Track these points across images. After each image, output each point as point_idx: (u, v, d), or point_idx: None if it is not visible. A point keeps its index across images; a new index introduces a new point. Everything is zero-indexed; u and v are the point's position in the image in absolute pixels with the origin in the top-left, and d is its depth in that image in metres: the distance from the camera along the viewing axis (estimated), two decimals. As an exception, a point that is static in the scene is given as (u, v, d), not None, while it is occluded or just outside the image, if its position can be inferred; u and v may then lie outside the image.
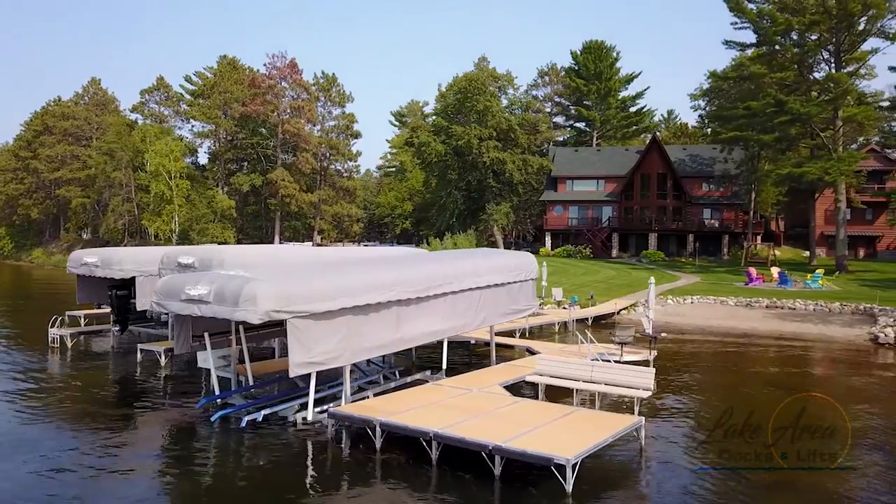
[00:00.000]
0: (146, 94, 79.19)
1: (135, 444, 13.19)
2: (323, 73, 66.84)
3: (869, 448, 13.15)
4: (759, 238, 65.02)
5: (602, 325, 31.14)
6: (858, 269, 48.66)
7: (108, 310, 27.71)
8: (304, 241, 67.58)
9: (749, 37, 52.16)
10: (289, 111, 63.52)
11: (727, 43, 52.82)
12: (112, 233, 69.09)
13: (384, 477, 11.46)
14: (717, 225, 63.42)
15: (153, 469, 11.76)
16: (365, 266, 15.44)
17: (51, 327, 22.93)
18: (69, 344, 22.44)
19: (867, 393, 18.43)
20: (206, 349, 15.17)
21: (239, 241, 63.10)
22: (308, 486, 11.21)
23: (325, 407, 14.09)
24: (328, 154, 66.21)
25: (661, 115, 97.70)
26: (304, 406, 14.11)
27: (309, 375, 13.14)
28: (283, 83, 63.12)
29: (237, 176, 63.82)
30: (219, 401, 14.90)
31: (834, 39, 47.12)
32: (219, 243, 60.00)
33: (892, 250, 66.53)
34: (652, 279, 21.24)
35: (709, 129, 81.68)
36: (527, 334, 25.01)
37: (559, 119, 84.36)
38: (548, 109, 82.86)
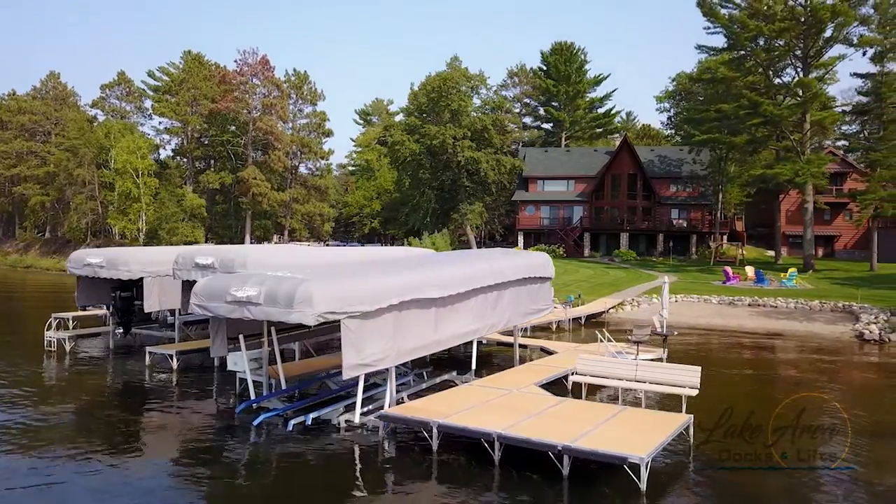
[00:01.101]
0: (107, 89, 77.00)
1: (179, 450, 12.80)
2: (294, 70, 66.07)
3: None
4: (724, 238, 66.62)
5: (593, 324, 31.56)
6: (824, 268, 50.27)
7: (99, 311, 27.07)
8: (285, 241, 66.71)
9: (720, 41, 53.46)
10: (260, 108, 62.49)
11: (699, 47, 54.13)
12: (75, 232, 66.88)
13: (442, 479, 11.39)
14: (685, 225, 64.81)
15: (205, 476, 11.44)
16: (401, 266, 15.32)
17: (47, 330, 22.13)
18: (67, 347, 21.67)
19: (865, 390, 19.05)
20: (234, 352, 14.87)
21: (207, 241, 61.89)
22: (368, 488, 11.07)
23: (367, 407, 13.93)
24: (299, 152, 65.35)
25: (621, 116, 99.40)
26: (347, 408, 13.96)
27: (356, 378, 12.97)
28: (254, 80, 62.06)
29: (206, 174, 62.47)
30: (254, 405, 14.60)
31: (801, 45, 48.58)
32: (187, 243, 58.74)
33: (848, 249, 68.97)
34: (665, 279, 21.61)
35: (674, 130, 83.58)
36: (527, 333, 25.17)
37: (527, 120, 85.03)
38: (517, 110, 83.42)
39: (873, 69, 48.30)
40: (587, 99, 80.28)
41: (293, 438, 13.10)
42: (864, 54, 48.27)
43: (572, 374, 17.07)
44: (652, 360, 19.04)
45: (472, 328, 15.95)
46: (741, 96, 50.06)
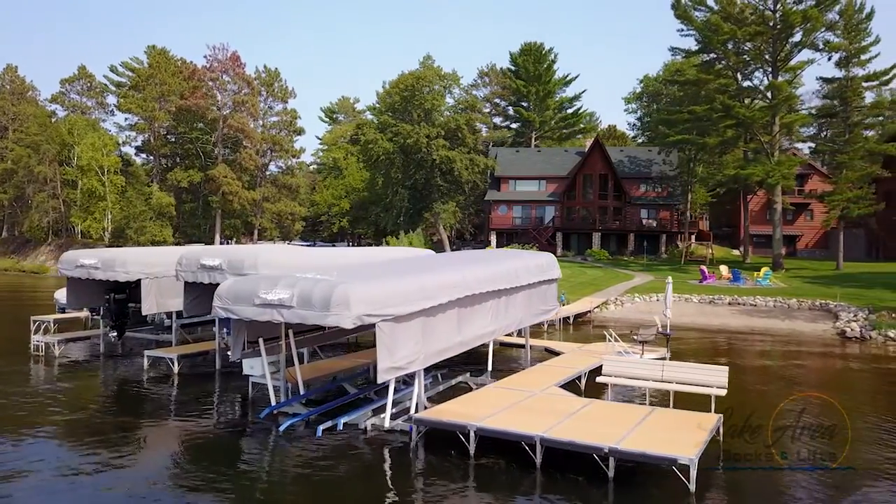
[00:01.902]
0: (66, 83, 74.68)
1: (203, 460, 12.37)
2: (265, 67, 64.95)
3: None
4: (693, 237, 67.85)
5: (579, 324, 31.77)
6: (792, 267, 51.50)
7: (80, 314, 26.22)
8: (254, 241, 65.62)
9: (691, 43, 54.35)
10: (230, 105, 61.27)
11: (673, 49, 54.99)
12: (35, 231, 64.56)
13: (483, 483, 11.26)
14: (654, 225, 65.85)
15: (237, 487, 11.09)
16: (422, 267, 15.14)
17: (34, 334, 21.30)
18: (57, 352, 20.87)
19: (859, 388, 19.48)
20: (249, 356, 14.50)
21: (178, 242, 60.50)
22: (409, 494, 10.88)
23: (391, 411, 13.72)
24: (270, 150, 64.31)
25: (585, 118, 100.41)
26: (375, 412, 13.74)
27: (377, 381, 12.75)
28: (224, 76, 60.82)
29: (175, 172, 60.96)
30: (274, 410, 14.26)
31: (771, 49, 49.73)
32: (154, 243, 57.39)
33: (809, 249, 71.02)
34: (670, 279, 21.77)
35: (641, 132, 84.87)
36: (522, 333, 25.14)
37: (497, 119, 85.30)
38: (486, 110, 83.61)
39: (838, 73, 49.72)
40: (556, 99, 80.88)
41: (322, 444, 12.82)
42: (829, 59, 49.72)
43: (586, 374, 17.17)
44: (656, 359, 19.29)
45: (490, 329, 15.87)
46: (712, 99, 51.09)
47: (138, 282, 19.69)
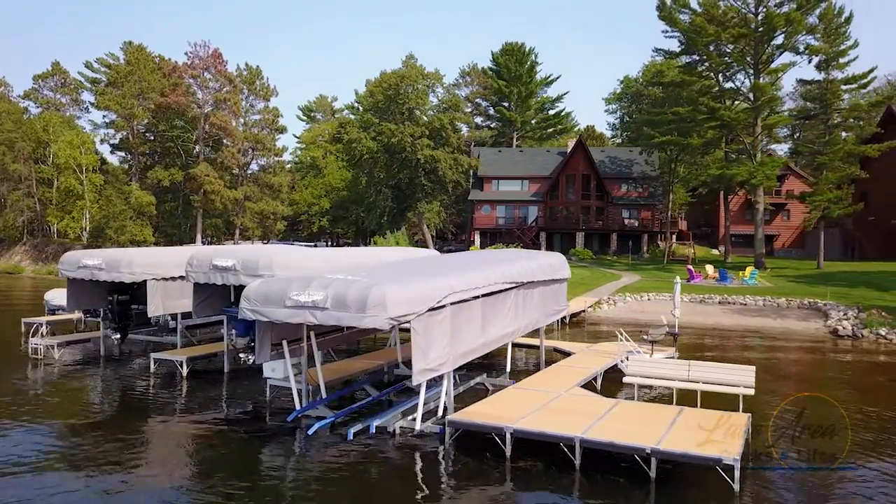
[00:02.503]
0: (40, 79, 73.03)
1: (235, 467, 12.10)
2: (247, 64, 64.13)
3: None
4: (674, 237, 68.62)
5: (574, 324, 31.90)
6: (773, 266, 52.28)
7: (72, 316, 25.66)
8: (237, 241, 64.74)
9: (673, 44, 54.92)
10: (212, 103, 60.38)
11: (657, 50, 55.41)
12: (10, 230, 62.96)
13: (519, 484, 11.21)
14: (636, 224, 66.47)
15: (277, 493, 10.90)
16: (446, 267, 15.02)
17: (31, 336, 20.77)
18: (56, 355, 20.34)
19: (860, 386, 19.76)
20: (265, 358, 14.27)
21: (157, 242, 59.53)
22: (447, 495, 10.76)
23: (414, 414, 13.60)
24: (251, 149, 63.56)
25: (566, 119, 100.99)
26: (404, 414, 13.62)
27: (399, 384, 12.64)
28: (206, 73, 59.91)
29: (155, 170, 59.88)
30: (299, 414, 14.03)
31: (753, 51, 50.42)
32: (134, 242, 56.37)
33: (786, 248, 72.26)
34: (678, 280, 21.99)
35: (619, 132, 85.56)
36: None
37: (478, 119, 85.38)
38: (468, 110, 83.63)
39: (818, 76, 50.58)
40: (538, 99, 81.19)
41: (352, 447, 12.65)
42: (809, 62, 50.55)
43: (601, 374, 17.22)
44: (664, 358, 19.43)
45: (510, 329, 15.83)
46: (694, 100, 51.76)
47: (140, 283, 19.32)
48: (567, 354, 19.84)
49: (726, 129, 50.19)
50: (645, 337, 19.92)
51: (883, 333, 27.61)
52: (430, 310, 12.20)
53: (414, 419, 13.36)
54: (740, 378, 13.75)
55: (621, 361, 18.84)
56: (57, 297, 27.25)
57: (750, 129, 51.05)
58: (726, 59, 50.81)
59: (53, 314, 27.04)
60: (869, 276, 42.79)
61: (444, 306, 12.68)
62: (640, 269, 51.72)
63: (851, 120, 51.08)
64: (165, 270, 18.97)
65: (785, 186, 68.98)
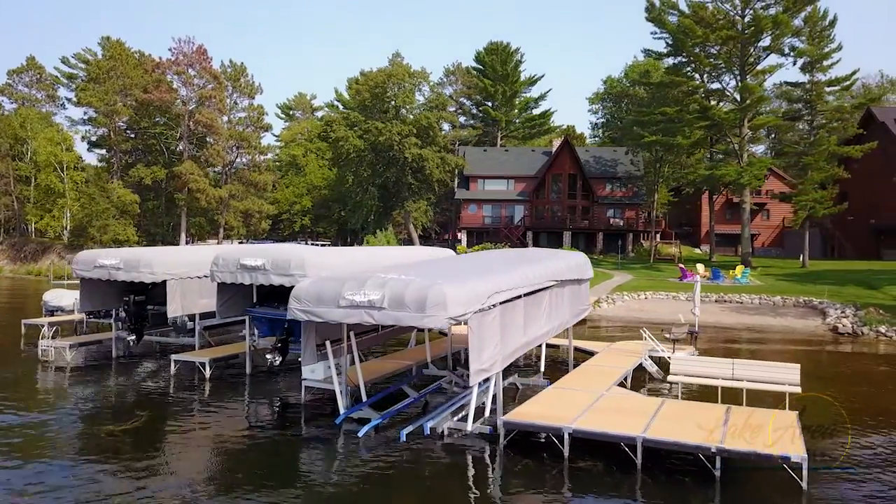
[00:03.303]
0: (14, 75, 71.24)
1: (285, 473, 11.81)
2: (231, 61, 63.20)
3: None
4: (658, 236, 69.33)
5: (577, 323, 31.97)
6: (759, 265, 53.04)
7: (73, 317, 25.06)
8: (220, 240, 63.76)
9: (659, 45, 55.46)
10: (196, 100, 59.39)
11: (646, 52, 55.89)
12: (-14, 229, 61.40)
13: (578, 485, 11.11)
14: (621, 224, 66.98)
15: (338, 497, 10.69)
16: (485, 266, 14.90)
17: (42, 339, 20.19)
18: (68, 357, 19.77)
19: (857, 383, 20.06)
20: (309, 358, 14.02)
21: (139, 242, 58.40)
22: (509, 497, 10.64)
23: (461, 414, 13.47)
24: (236, 147, 62.68)
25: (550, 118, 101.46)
26: (452, 415, 13.48)
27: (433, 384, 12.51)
28: (190, 70, 58.89)
29: (137, 168, 58.69)
30: (345, 416, 13.79)
31: (740, 53, 51.13)
32: (116, 241, 55.26)
33: (765, 247, 73.43)
34: (698, 278, 22.07)
35: (602, 132, 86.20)
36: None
37: (461, 119, 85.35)
38: (451, 109, 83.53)
39: (802, 78, 51.45)
40: (521, 99, 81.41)
41: (403, 448, 12.47)
42: (794, 63, 51.39)
43: (631, 373, 17.26)
44: (685, 355, 19.57)
45: (546, 329, 15.76)
46: (680, 100, 52.43)
47: (155, 283, 18.86)
48: (589, 353, 19.82)
49: (716, 128, 50.82)
50: (667, 336, 20.02)
51: (883, 331, 28.14)
52: (481, 309, 12.07)
53: (461, 419, 13.22)
54: (786, 376, 13.84)
55: (645, 359, 18.98)
56: (55, 297, 26.62)
57: (737, 129, 51.80)
58: (713, 60, 51.45)
59: (52, 315, 26.36)
60: (856, 274, 43.64)
61: (494, 305, 12.56)
62: (629, 269, 52.10)
63: (835, 122, 51.96)
64: (186, 270, 18.57)
65: (765, 186, 70.07)
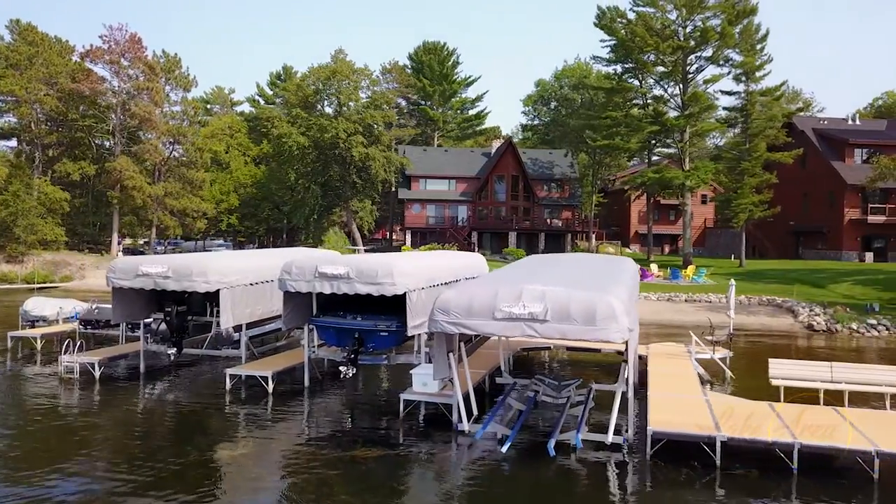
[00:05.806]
0: None
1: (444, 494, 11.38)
2: (164, 52, 59.69)
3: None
4: (593, 237, 71.49)
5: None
6: (699, 265, 55.62)
7: (68, 327, 23.18)
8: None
9: (600, 51, 57.15)
10: (129, 91, 55.75)
11: (595, 58, 57.44)
12: None
13: (734, 493, 11.28)
14: (559, 224, 68.59)
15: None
16: (582, 274, 14.84)
17: (63, 353, 18.43)
18: (97, 374, 18.10)
19: None
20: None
21: (67, 242, 54.26)
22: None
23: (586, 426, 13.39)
24: (171, 142, 59.39)
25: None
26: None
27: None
28: (123, 59, 55.20)
29: (63, 163, 54.43)
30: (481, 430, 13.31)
31: (683, 62, 53.49)
32: (42, 242, 51.18)
33: (695, 248, 77.23)
34: (733, 282, 22.81)
35: (532, 133, 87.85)
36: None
37: (399, 118, 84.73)
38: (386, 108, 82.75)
39: (736, 87, 54.46)
40: (458, 99, 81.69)
41: (545, 462, 12.23)
42: (729, 73, 54.29)
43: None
44: (721, 358, 20.31)
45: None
46: (623, 106, 54.54)
47: (195, 292, 17.63)
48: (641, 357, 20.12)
49: (664, 133, 52.95)
50: (708, 338, 20.68)
51: (854, 328, 30.22)
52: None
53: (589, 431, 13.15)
54: (887, 378, 14.57)
55: (693, 362, 19.49)
56: (37, 307, 24.55)
57: (679, 134, 54.19)
58: (661, 68, 53.55)
59: (33, 326, 24.24)
60: (795, 273, 46.54)
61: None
62: (579, 268, 53.34)
63: (768, 130, 55.24)
64: (237, 279, 17.45)
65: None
